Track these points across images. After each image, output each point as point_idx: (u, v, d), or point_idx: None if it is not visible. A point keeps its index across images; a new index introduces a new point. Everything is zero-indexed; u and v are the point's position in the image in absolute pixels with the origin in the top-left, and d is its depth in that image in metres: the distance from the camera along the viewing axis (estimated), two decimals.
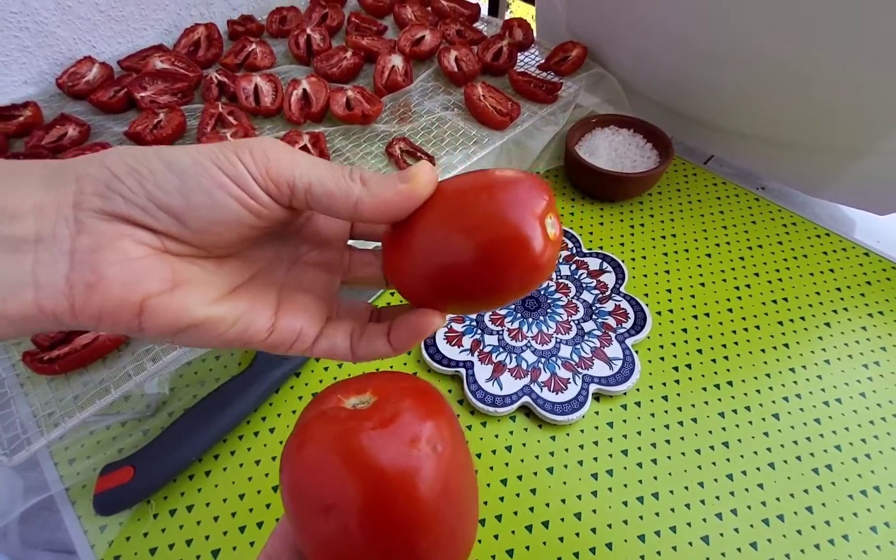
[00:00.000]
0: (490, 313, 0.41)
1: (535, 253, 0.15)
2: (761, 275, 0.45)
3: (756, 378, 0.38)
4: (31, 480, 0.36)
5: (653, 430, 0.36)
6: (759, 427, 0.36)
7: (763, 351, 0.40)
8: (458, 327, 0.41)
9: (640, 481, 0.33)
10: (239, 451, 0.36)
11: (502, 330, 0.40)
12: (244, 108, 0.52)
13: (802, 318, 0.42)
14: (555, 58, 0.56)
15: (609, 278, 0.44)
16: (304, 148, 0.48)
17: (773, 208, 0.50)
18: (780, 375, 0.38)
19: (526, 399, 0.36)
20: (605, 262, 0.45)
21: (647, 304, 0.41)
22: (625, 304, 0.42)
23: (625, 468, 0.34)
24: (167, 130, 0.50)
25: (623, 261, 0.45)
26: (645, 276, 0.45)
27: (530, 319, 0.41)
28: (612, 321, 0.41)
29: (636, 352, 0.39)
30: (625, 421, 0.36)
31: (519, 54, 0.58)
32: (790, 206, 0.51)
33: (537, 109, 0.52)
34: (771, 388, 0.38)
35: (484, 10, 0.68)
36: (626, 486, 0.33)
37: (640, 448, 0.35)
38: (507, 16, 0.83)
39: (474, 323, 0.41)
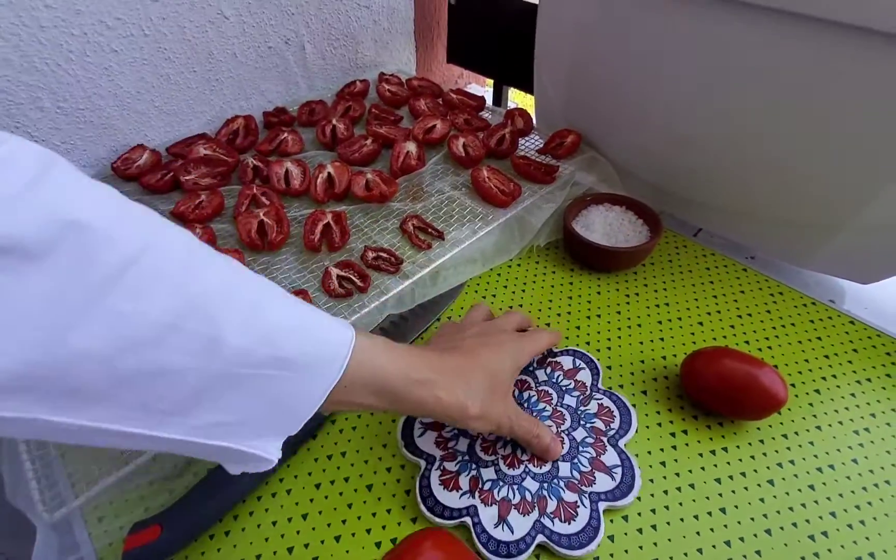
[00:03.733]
0: (480, 441, 0.39)
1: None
2: (751, 342, 0.47)
3: (750, 444, 0.40)
4: (64, 539, 0.38)
5: (651, 495, 0.37)
6: (755, 493, 0.37)
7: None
8: (451, 466, 0.37)
9: (641, 547, 0.35)
10: (257, 512, 0.38)
11: (497, 458, 0.38)
12: (276, 189, 0.59)
13: (793, 385, 0.44)
14: (552, 143, 0.63)
15: (585, 375, 0.43)
16: (328, 225, 0.54)
17: (760, 278, 0.54)
18: (773, 441, 0.40)
19: (541, 537, 0.34)
20: (577, 359, 0.44)
21: (630, 403, 0.41)
22: (607, 402, 0.41)
23: (625, 534, 0.35)
24: (208, 210, 0.57)
25: (599, 353, 0.45)
26: (641, 343, 0.47)
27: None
28: (600, 424, 0.40)
29: (635, 455, 0.38)
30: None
31: (520, 140, 0.65)
32: (778, 275, 0.54)
33: (537, 189, 0.58)
34: (765, 454, 0.39)
35: (489, 100, 0.76)
36: (626, 551, 0.35)
37: (639, 514, 0.36)
38: (510, 105, 0.92)
39: (467, 457, 0.38)
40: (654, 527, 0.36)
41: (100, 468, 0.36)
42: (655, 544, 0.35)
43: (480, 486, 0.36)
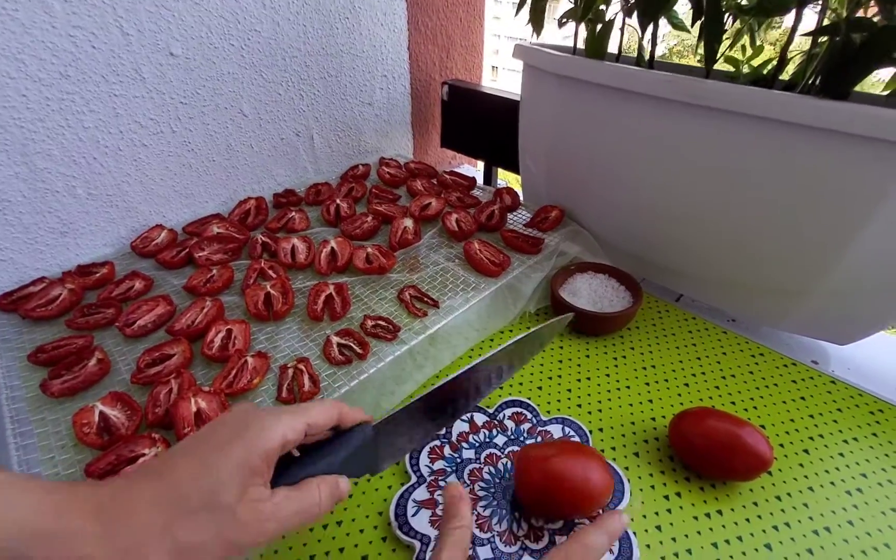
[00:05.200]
0: (476, 518, 0.38)
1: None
2: (737, 403, 0.49)
3: (744, 507, 0.40)
4: None
5: None
6: (752, 558, 0.37)
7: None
8: None
9: None
10: None
11: (493, 535, 0.37)
12: (282, 263, 0.63)
13: (781, 446, 0.44)
14: (538, 218, 0.68)
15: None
16: (330, 295, 0.57)
17: (741, 340, 0.56)
18: (767, 503, 0.40)
19: None
20: (567, 427, 0.45)
21: (622, 468, 0.42)
22: None
23: None
24: (218, 283, 0.60)
25: (591, 415, 0.46)
26: (630, 404, 0.49)
27: (516, 513, 0.38)
28: None
29: (631, 519, 0.39)
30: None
31: (508, 215, 0.71)
32: (758, 337, 0.56)
33: (526, 259, 0.62)
34: (759, 516, 0.39)
35: (480, 180, 0.84)
36: None
37: None
38: (499, 184, 0.99)
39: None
40: None
41: None
42: None
43: None
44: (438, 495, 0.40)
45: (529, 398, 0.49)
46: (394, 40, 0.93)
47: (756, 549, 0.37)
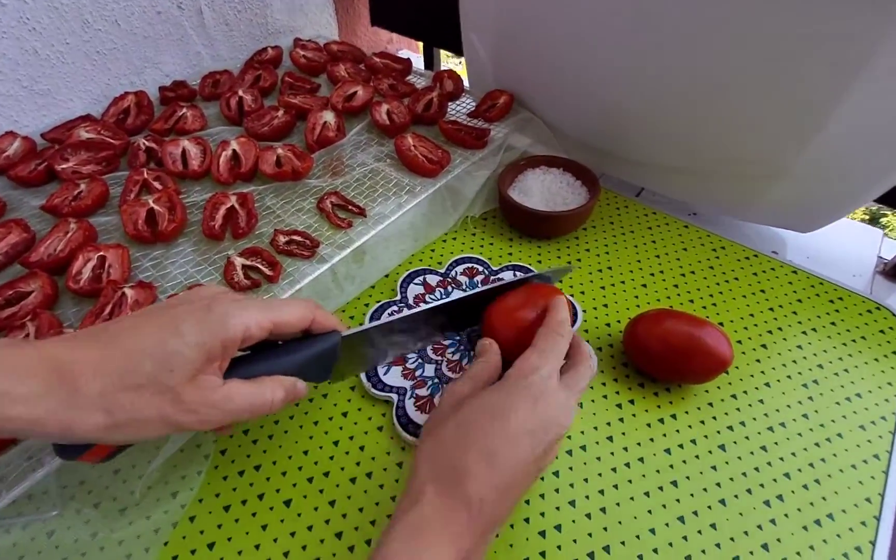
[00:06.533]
0: (445, 362, 0.40)
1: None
2: (696, 301, 0.45)
3: (699, 409, 0.37)
4: None
5: (599, 474, 0.34)
6: (707, 461, 0.34)
7: None
8: (423, 392, 0.38)
9: (590, 534, 0.31)
10: (154, 547, 0.32)
11: (442, 360, 0.40)
12: (171, 172, 0.51)
13: (739, 342, 0.41)
14: (483, 106, 0.58)
15: None
16: (232, 209, 0.46)
17: (702, 234, 0.51)
18: (722, 404, 0.37)
19: None
20: (517, 272, 0.45)
21: (587, 341, 0.40)
22: None
23: (573, 521, 0.32)
24: (87, 201, 0.48)
25: (573, 298, 0.44)
26: (584, 311, 0.44)
27: (471, 353, 0.40)
28: None
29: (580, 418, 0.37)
30: (571, 468, 0.34)
31: (450, 104, 0.60)
32: (720, 229, 0.52)
33: (469, 155, 0.53)
34: (714, 417, 0.37)
35: (420, 65, 0.70)
36: (575, 541, 0.31)
37: (587, 497, 0.33)
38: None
39: (436, 380, 0.39)
40: (603, 510, 0.32)
41: None
42: (606, 529, 0.31)
43: (418, 377, 0.39)
44: (407, 354, 0.40)
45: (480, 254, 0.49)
46: None
47: (710, 451, 0.35)
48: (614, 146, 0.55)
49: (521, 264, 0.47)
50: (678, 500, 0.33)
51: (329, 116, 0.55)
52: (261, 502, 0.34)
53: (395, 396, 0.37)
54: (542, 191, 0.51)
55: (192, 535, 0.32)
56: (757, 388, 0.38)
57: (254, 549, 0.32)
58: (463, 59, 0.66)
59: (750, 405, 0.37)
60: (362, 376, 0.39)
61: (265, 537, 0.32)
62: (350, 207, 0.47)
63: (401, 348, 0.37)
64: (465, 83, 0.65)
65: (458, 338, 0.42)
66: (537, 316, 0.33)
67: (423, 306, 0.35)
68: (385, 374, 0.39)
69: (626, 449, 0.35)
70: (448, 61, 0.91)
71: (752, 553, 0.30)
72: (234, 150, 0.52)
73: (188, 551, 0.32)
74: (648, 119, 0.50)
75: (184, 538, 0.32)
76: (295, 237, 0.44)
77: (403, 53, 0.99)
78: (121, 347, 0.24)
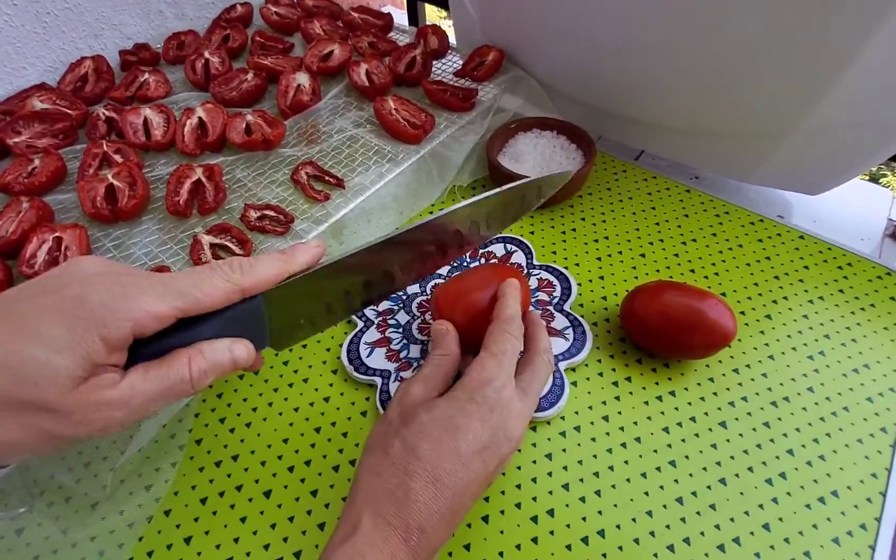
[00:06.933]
0: (430, 343, 0.37)
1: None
2: (697, 270, 0.42)
3: (699, 385, 0.35)
4: None
5: (594, 456, 0.32)
6: (707, 439, 0.33)
7: None
8: (408, 375, 0.36)
9: (584, 518, 0.30)
10: (128, 543, 0.30)
11: (428, 340, 0.37)
12: (132, 143, 0.47)
13: (742, 313, 0.39)
14: (471, 63, 0.53)
15: (519, 257, 0.43)
16: (198, 182, 0.43)
17: (704, 199, 0.48)
18: (723, 378, 0.36)
19: None
20: (508, 244, 0.44)
21: (582, 315, 0.38)
22: (545, 275, 0.41)
23: (566, 505, 0.30)
24: (42, 177, 0.44)
25: (568, 271, 0.42)
26: (579, 284, 0.41)
27: None
28: (543, 295, 0.40)
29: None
30: (564, 450, 0.32)
31: (435, 62, 0.55)
32: (723, 194, 0.49)
33: (455, 119, 0.49)
34: (715, 393, 0.35)
35: (404, 21, 0.65)
36: (568, 526, 0.29)
37: (581, 480, 0.31)
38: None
39: (421, 361, 0.36)
40: (597, 493, 0.31)
41: None
42: (600, 512, 0.30)
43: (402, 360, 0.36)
44: (391, 333, 0.38)
45: None
46: None
47: (710, 429, 0.33)
48: (613, 104, 0.51)
49: (511, 236, 0.44)
50: (676, 481, 0.31)
51: (303, 79, 0.51)
52: (239, 494, 0.32)
53: (378, 380, 0.35)
54: (534, 156, 0.48)
55: (168, 529, 0.31)
56: (760, 362, 0.36)
57: (233, 542, 0.30)
58: (449, 14, 0.61)
59: (752, 380, 0.35)
60: (344, 359, 0.36)
61: (244, 530, 0.30)
62: (327, 178, 0.44)
63: (349, 301, 0.28)
64: (452, 39, 0.60)
65: (403, 296, 0.40)
66: (491, 299, 0.31)
67: (364, 244, 0.27)
68: (368, 356, 0.37)
69: (622, 428, 0.33)
70: (436, 18, 0.85)
71: (752, 533, 0.29)
72: (199, 118, 0.48)
73: (164, 546, 0.30)
74: (650, 74, 0.46)
75: (159, 533, 0.31)
76: (267, 212, 0.41)
77: (386, 9, 0.92)
78: None
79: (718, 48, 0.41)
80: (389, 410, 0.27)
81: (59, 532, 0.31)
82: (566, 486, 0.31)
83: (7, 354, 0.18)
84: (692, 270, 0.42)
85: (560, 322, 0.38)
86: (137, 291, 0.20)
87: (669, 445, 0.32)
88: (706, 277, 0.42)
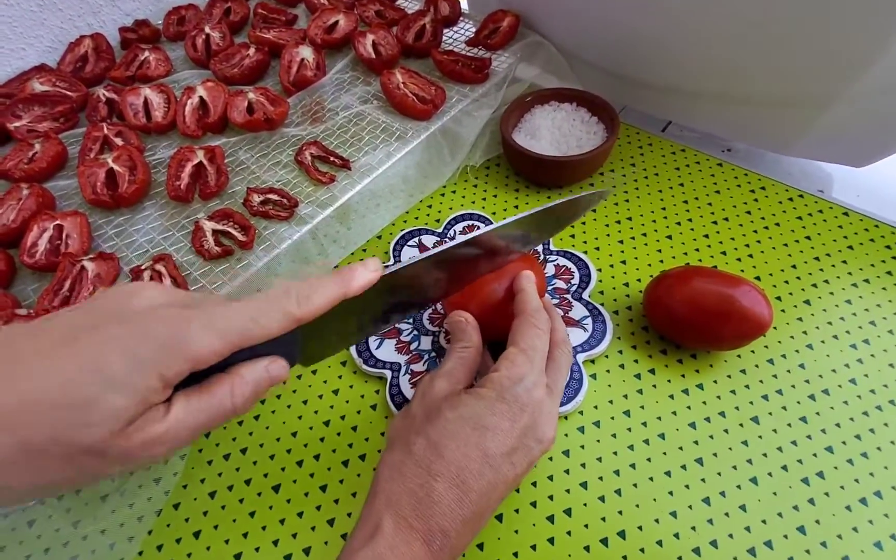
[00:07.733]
0: (443, 334, 0.36)
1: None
2: (729, 252, 0.39)
3: (729, 377, 0.33)
4: None
5: (614, 453, 0.30)
6: (737, 435, 0.31)
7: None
8: (418, 368, 0.34)
9: (604, 519, 0.28)
10: (138, 536, 0.30)
11: (440, 331, 0.36)
12: (133, 126, 0.46)
13: (779, 299, 0.36)
14: (484, 31, 0.50)
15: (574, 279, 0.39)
16: (199, 165, 0.41)
17: (738, 173, 0.45)
18: (756, 370, 0.33)
19: None
20: (570, 261, 0.39)
21: (602, 304, 0.36)
22: (562, 261, 0.39)
23: (585, 505, 0.29)
24: (42, 163, 0.43)
25: (587, 256, 0.39)
26: (599, 270, 0.39)
27: None
28: (561, 283, 0.38)
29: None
30: (583, 447, 0.31)
31: (446, 31, 0.52)
32: (758, 168, 0.45)
33: (467, 92, 0.46)
34: (747, 386, 0.32)
35: None
36: (587, 526, 0.28)
37: (601, 478, 0.30)
38: None
39: (433, 353, 0.35)
40: (618, 492, 0.29)
41: None
42: (621, 513, 0.28)
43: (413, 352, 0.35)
44: (401, 324, 0.37)
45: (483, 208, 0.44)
46: None
47: (741, 425, 0.31)
48: (638, 70, 0.47)
49: (577, 253, 0.40)
50: (703, 480, 0.29)
51: (307, 52, 0.48)
52: (248, 488, 0.31)
53: (388, 373, 0.34)
54: (552, 131, 0.45)
55: (177, 523, 0.31)
56: (797, 351, 0.34)
57: (241, 537, 0.30)
58: None
59: (788, 371, 0.33)
60: (353, 351, 0.35)
61: (253, 525, 0.30)
62: (332, 159, 0.42)
63: (386, 318, 0.28)
64: (464, 5, 0.56)
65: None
66: (507, 291, 0.29)
67: (414, 257, 0.26)
68: (377, 348, 0.35)
69: (644, 424, 0.31)
70: None
71: (786, 537, 0.27)
72: (200, 98, 0.46)
73: (173, 540, 0.30)
74: (680, 33, 0.42)
75: (168, 526, 0.31)
76: (271, 196, 0.40)
77: None
78: (15, 390, 0.17)
79: (761, 4, 0.37)
80: (413, 404, 0.25)
81: (69, 525, 0.31)
82: (584, 485, 0.29)
83: (65, 385, 0.17)
84: (723, 253, 0.39)
85: (578, 311, 0.36)
86: (199, 328, 0.20)
87: (696, 442, 0.30)
88: (739, 260, 0.39)
